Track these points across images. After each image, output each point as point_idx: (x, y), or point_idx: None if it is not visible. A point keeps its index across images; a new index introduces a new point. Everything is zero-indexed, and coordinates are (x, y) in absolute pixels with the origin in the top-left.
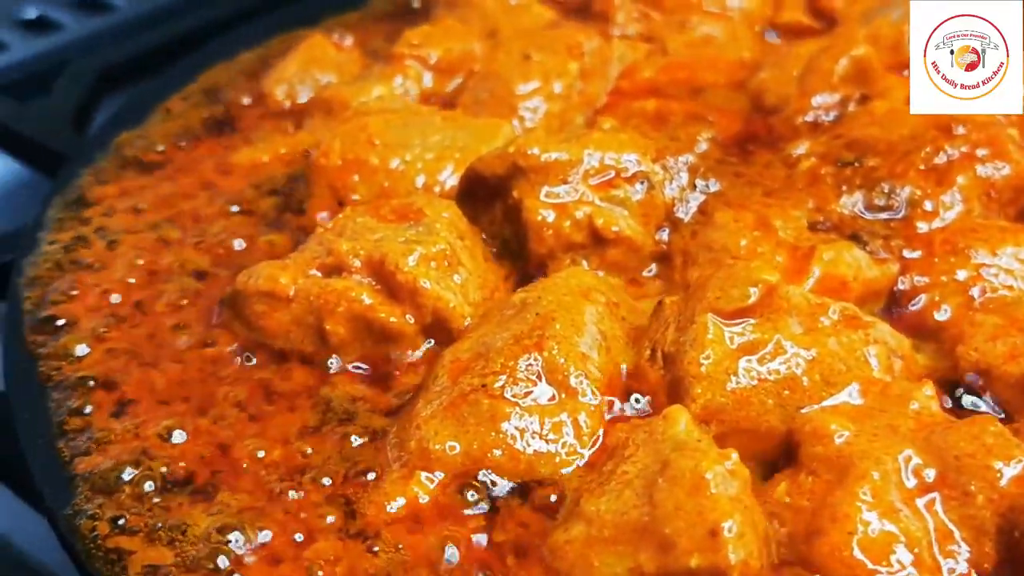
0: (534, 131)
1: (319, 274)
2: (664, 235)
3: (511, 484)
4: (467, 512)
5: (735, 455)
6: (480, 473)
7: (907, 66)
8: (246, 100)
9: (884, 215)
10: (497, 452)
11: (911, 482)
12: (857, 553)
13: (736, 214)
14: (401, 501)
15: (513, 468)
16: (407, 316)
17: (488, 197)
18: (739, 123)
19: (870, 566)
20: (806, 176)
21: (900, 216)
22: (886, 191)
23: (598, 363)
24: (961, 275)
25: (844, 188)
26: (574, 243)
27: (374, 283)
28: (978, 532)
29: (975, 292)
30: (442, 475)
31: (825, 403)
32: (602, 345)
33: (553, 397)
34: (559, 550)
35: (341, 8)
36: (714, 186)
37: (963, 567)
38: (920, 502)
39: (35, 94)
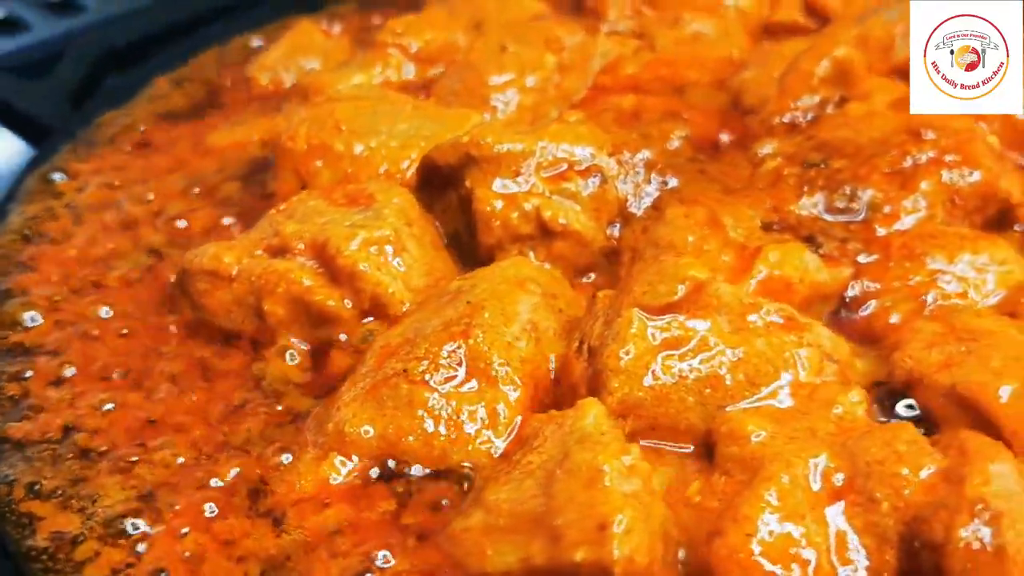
0: (491, 122)
1: (264, 255)
2: (616, 230)
3: (425, 470)
4: (378, 495)
5: (636, 450)
6: (395, 457)
7: (897, 69)
8: (232, 84)
9: (844, 217)
10: (411, 438)
11: (817, 486)
12: (755, 555)
13: (687, 210)
14: (311, 482)
15: (427, 454)
16: (345, 300)
17: (443, 186)
18: (716, 122)
19: (767, 568)
20: (769, 176)
21: (860, 219)
22: (847, 193)
23: (525, 353)
24: (915, 281)
25: (806, 189)
26: (522, 234)
27: (317, 266)
28: (880, 540)
29: (928, 299)
30: (357, 458)
31: (747, 403)
32: (532, 336)
33: (474, 385)
34: (456, 537)
35: None
36: (672, 182)
37: (862, 575)
38: (827, 507)
39: (45, 73)
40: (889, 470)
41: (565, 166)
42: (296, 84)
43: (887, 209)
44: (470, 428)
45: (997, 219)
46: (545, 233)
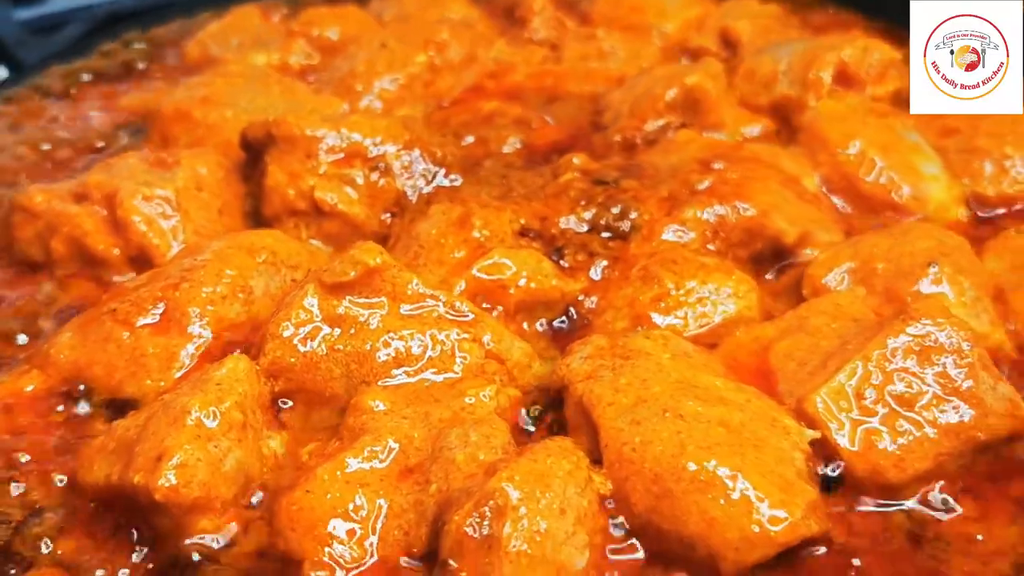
0: (302, 108)
1: (70, 199)
2: (390, 218)
3: (103, 396)
4: (54, 409)
5: (231, 401)
6: (83, 382)
7: (774, 104)
8: (171, 54)
9: (608, 234)
10: (98, 367)
11: (387, 463)
12: (306, 509)
13: (447, 208)
14: (8, 389)
15: (106, 384)
16: (115, 248)
17: (255, 160)
18: (562, 134)
19: (320, 525)
20: (558, 187)
21: (620, 238)
22: (616, 212)
23: (229, 312)
24: (639, 301)
25: (583, 203)
26: (298, 210)
27: (107, 214)
28: (420, 518)
29: (653, 319)
30: (52, 377)
31: (389, 381)
32: (242, 297)
33: (165, 330)
34: (82, 454)
35: None
36: (457, 181)
37: (396, 544)
38: (395, 482)
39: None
40: (449, 456)
41: (354, 154)
42: (216, 59)
43: (646, 231)
44: (147, 366)
45: (771, 256)
46: (317, 212)
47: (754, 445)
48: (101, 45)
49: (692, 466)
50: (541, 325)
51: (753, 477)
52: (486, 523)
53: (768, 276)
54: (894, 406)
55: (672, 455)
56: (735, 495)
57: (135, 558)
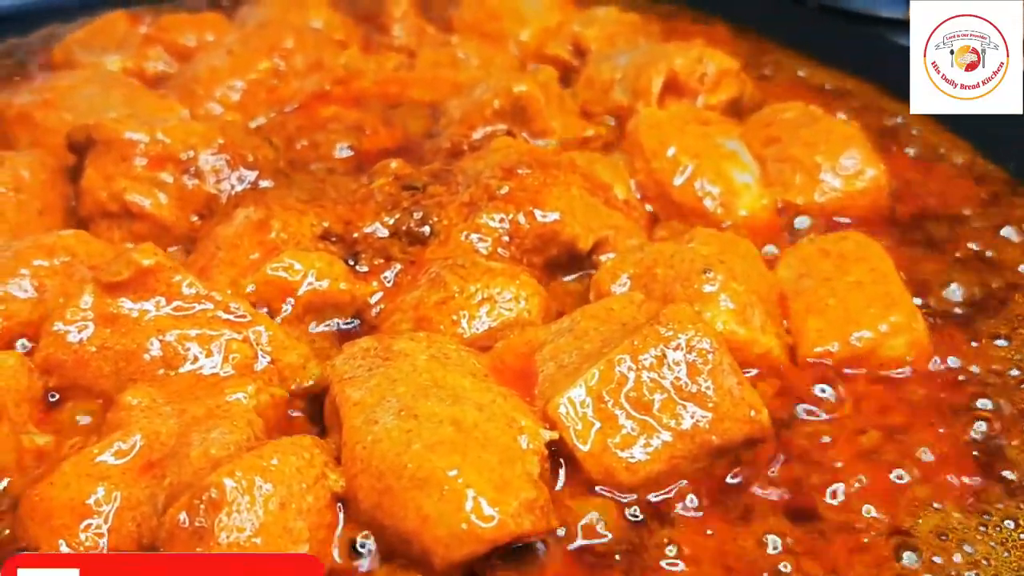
0: (141, 112)
1: None
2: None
3: None
4: None
5: None
6: None
7: (611, 110)
8: (42, 57)
9: (408, 239)
10: None
11: (128, 458)
12: (48, 500)
13: (249, 211)
14: None
15: None
16: None
17: (81, 162)
18: (395, 140)
19: (58, 516)
20: (367, 192)
21: (420, 243)
22: (418, 218)
23: (20, 310)
24: (423, 304)
25: (389, 208)
26: (110, 212)
27: None
28: (153, 510)
29: (435, 322)
30: None
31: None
32: (35, 297)
33: None
34: None
35: None
36: (266, 184)
37: (129, 535)
38: (136, 475)
39: None
40: (185, 452)
41: (166, 157)
42: (78, 63)
43: (443, 236)
44: None
45: (568, 262)
46: (128, 214)
47: (481, 444)
48: None
49: (412, 463)
50: (330, 326)
51: (469, 475)
52: (200, 514)
53: (566, 281)
54: (630, 409)
55: (397, 453)
56: (449, 492)
57: None
